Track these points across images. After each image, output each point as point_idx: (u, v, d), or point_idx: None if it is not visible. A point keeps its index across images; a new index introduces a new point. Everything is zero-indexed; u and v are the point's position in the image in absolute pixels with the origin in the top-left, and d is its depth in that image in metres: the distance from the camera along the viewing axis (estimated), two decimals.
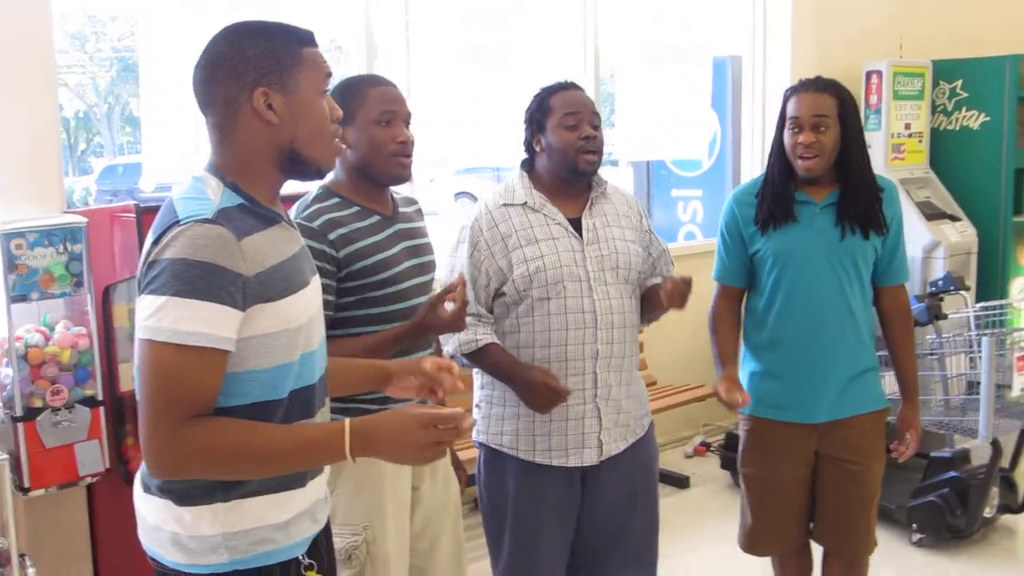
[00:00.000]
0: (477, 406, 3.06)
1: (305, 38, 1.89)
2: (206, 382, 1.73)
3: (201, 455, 1.72)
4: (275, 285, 1.80)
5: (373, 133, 2.63)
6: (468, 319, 2.84)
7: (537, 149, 2.95)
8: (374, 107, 2.64)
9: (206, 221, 1.73)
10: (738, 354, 3.25)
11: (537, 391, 2.82)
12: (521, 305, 2.89)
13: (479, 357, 2.91)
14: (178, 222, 1.74)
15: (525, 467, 2.95)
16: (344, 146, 2.63)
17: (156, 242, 1.75)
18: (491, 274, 2.89)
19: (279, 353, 1.83)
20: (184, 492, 1.82)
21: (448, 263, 2.96)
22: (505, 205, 2.93)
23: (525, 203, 2.92)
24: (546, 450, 2.93)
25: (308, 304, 1.91)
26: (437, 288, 2.70)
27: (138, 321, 1.73)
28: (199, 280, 1.69)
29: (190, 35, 3.95)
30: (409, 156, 2.68)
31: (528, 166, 3.02)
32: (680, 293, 2.83)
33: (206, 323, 1.69)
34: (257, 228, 1.81)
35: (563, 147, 2.89)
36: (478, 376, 3.05)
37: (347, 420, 1.79)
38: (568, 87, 2.97)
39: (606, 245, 2.95)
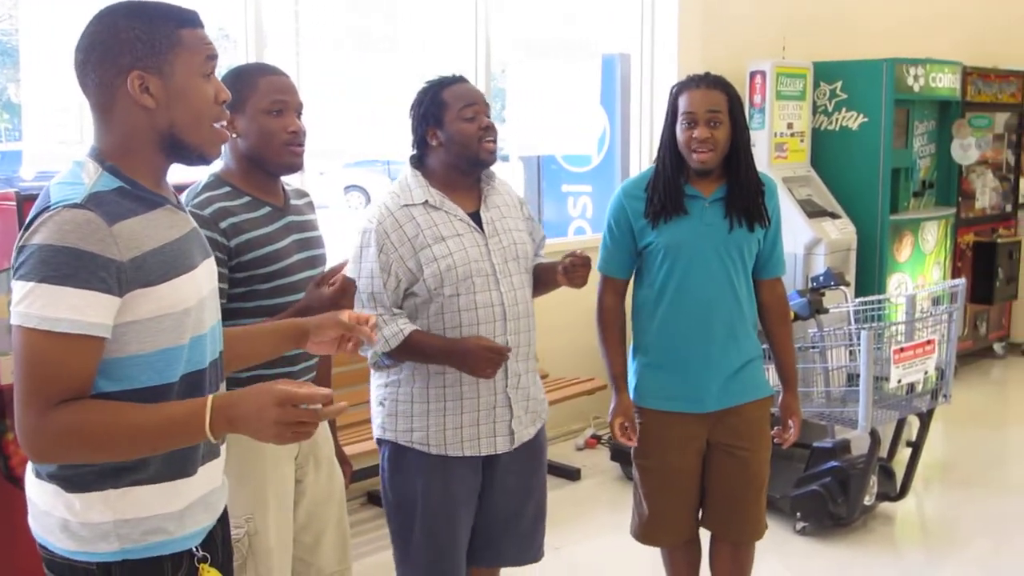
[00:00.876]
0: (380, 403, 3.03)
1: (185, 19, 1.84)
2: (76, 368, 1.70)
3: (68, 437, 1.69)
4: (154, 269, 1.77)
5: (264, 123, 2.59)
6: (384, 317, 2.84)
7: (433, 144, 2.93)
8: (265, 96, 2.60)
9: (75, 206, 1.70)
10: (627, 363, 3.31)
11: (480, 357, 2.83)
12: (432, 304, 2.89)
13: (407, 348, 2.88)
14: (49, 207, 1.71)
15: (434, 462, 2.94)
16: (233, 135, 2.58)
17: (27, 227, 1.72)
18: (400, 276, 2.88)
19: (165, 337, 1.80)
20: (75, 479, 1.79)
21: (352, 269, 2.92)
22: (406, 206, 2.91)
23: (426, 202, 2.91)
24: (458, 442, 2.93)
25: (197, 287, 1.87)
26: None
27: (12, 307, 1.70)
28: (66, 266, 1.67)
29: (73, 19, 3.84)
30: (301, 145, 2.65)
31: (417, 163, 3.00)
32: (580, 275, 2.91)
33: (74, 310, 1.67)
34: (136, 212, 1.77)
35: (464, 139, 2.89)
36: (379, 376, 3.02)
37: (210, 396, 1.76)
38: (458, 80, 2.98)
39: (506, 237, 2.98)
